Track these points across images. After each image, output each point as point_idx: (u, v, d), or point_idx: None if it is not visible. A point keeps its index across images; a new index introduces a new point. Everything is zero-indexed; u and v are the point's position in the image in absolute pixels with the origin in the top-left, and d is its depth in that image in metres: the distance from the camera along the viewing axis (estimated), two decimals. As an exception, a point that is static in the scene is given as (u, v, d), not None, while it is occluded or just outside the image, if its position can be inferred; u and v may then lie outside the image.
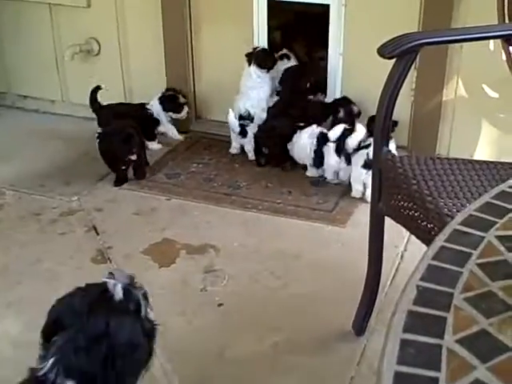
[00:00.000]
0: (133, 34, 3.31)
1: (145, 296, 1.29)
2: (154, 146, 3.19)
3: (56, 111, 3.62)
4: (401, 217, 1.62)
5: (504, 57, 2.34)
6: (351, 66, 2.98)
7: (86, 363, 1.16)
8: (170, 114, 3.21)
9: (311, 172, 2.89)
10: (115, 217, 2.65)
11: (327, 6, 2.91)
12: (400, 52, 1.60)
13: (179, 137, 3.27)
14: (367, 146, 2.61)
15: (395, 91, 1.64)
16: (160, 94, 3.19)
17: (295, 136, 2.87)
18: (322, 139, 2.80)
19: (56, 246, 2.45)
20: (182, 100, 3.20)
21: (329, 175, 2.85)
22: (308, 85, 3.06)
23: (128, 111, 3.13)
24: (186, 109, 3.22)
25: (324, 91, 3.07)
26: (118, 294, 1.23)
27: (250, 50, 3.03)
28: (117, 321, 1.20)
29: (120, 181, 2.87)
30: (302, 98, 3.05)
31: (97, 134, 2.86)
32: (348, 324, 1.96)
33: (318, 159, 2.82)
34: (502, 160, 1.74)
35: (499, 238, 0.77)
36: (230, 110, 2.98)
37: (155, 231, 2.49)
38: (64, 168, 3.02)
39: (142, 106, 3.20)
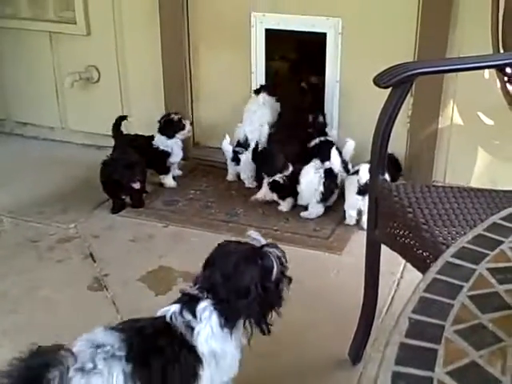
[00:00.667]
0: (132, 61, 3.35)
1: (279, 253, 1.57)
2: (167, 180, 3.13)
3: (55, 138, 3.64)
4: (397, 245, 1.63)
5: (499, 85, 2.37)
6: (348, 94, 3.00)
7: (223, 292, 1.46)
8: (177, 137, 3.12)
9: (316, 209, 2.80)
10: (112, 244, 2.65)
11: (324, 35, 2.95)
12: (395, 82, 1.62)
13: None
14: (357, 172, 2.63)
15: (391, 120, 1.65)
16: (157, 126, 3.13)
17: (302, 173, 2.80)
18: (329, 174, 2.78)
19: (53, 273, 2.45)
20: (176, 117, 3.12)
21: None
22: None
23: (142, 142, 3.09)
24: (187, 122, 3.16)
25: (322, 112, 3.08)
26: (260, 241, 1.55)
27: (258, 87, 3.10)
28: (253, 264, 1.49)
29: (117, 208, 2.87)
30: (303, 117, 3.04)
31: (102, 161, 2.87)
32: (344, 352, 1.95)
33: (326, 194, 2.78)
34: (498, 187, 1.75)
35: (490, 270, 0.78)
36: (226, 135, 3.00)
37: (152, 258, 2.49)
38: (62, 195, 3.02)
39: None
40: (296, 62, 3.35)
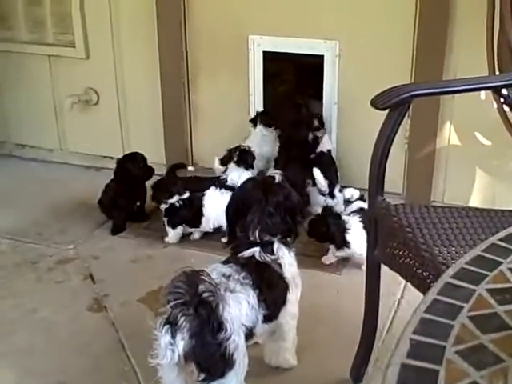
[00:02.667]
0: (131, 84, 3.37)
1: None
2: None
3: (54, 160, 3.65)
4: (396, 264, 1.63)
5: (495, 105, 2.40)
6: (346, 116, 3.02)
7: (274, 221, 1.81)
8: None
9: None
10: (112, 265, 2.65)
11: (322, 57, 2.97)
12: (393, 104, 1.63)
13: None
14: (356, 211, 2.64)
15: (388, 141, 1.67)
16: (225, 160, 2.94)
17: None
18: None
19: (52, 294, 2.45)
20: (246, 147, 2.95)
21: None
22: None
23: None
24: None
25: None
26: (279, 178, 1.89)
27: (253, 116, 3.12)
28: (284, 192, 1.87)
29: (118, 229, 2.88)
30: (303, 132, 2.99)
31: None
32: (345, 371, 1.95)
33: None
34: (496, 207, 1.76)
35: (489, 291, 0.79)
36: (216, 157, 2.98)
37: (152, 279, 2.48)
38: (61, 216, 3.03)
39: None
40: (294, 85, 3.37)
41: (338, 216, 2.60)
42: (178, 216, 2.76)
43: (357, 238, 2.49)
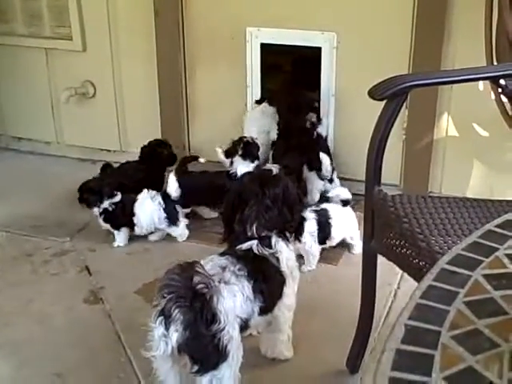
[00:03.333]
0: (128, 77, 3.36)
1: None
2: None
3: (51, 153, 3.65)
4: (393, 255, 1.63)
5: (493, 96, 2.39)
6: (343, 107, 3.01)
7: (271, 215, 1.80)
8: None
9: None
10: (108, 257, 2.65)
11: (319, 49, 2.96)
12: (390, 94, 1.62)
13: None
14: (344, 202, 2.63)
15: (386, 132, 1.66)
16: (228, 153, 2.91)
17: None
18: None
19: (48, 286, 2.44)
20: (250, 139, 2.91)
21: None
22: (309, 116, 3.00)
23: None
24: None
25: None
26: (276, 170, 1.90)
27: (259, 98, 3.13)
28: (282, 185, 1.85)
29: None
30: (301, 118, 2.98)
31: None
32: (342, 362, 1.95)
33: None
34: (493, 197, 1.76)
35: (486, 276, 0.78)
36: (218, 149, 2.93)
37: (148, 271, 2.48)
38: (57, 209, 3.02)
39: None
40: (292, 77, 3.36)
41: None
42: (114, 219, 2.72)
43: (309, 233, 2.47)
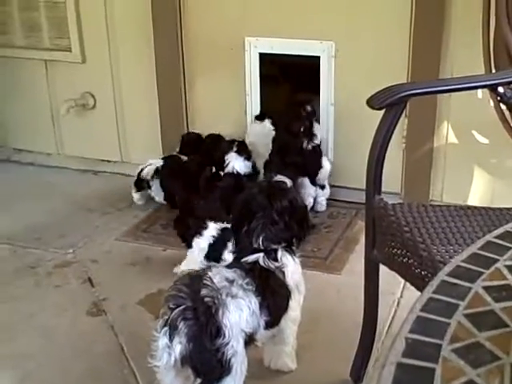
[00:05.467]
0: (127, 87, 3.37)
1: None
2: None
3: (51, 164, 3.65)
4: (395, 264, 1.63)
5: (492, 104, 2.40)
6: (342, 116, 3.02)
7: (278, 228, 1.80)
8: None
9: None
10: (110, 268, 2.65)
11: (318, 58, 2.97)
12: (389, 103, 1.63)
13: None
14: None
15: (385, 141, 1.67)
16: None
17: None
18: None
19: (51, 298, 2.44)
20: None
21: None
22: (302, 128, 2.99)
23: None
24: None
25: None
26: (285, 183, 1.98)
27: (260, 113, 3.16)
28: (289, 198, 1.85)
29: None
30: (297, 142, 2.99)
31: None
32: (346, 372, 1.95)
33: None
34: (495, 205, 1.76)
35: (486, 288, 0.78)
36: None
37: (151, 282, 2.48)
38: (59, 220, 3.02)
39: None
40: (291, 86, 3.37)
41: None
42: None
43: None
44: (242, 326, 1.64)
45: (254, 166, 3.05)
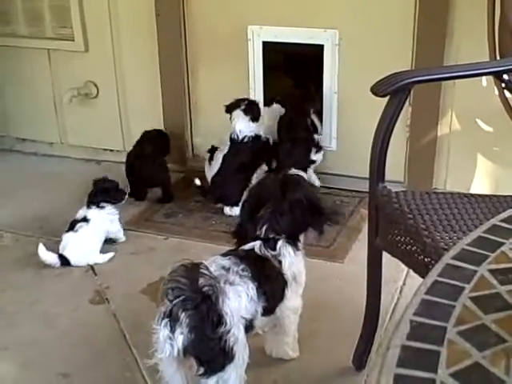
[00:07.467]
0: (130, 76, 3.36)
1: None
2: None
3: (54, 153, 3.65)
4: (398, 251, 1.63)
5: (496, 92, 2.38)
6: (346, 104, 3.01)
7: (285, 219, 1.79)
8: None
9: None
10: (113, 257, 2.64)
11: (321, 46, 2.96)
12: (393, 90, 1.62)
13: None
14: None
15: (389, 128, 1.66)
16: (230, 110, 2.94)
17: None
18: None
19: (53, 287, 2.44)
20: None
21: None
22: (312, 110, 3.02)
23: None
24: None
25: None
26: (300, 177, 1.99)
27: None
28: (302, 192, 1.84)
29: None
30: (305, 120, 3.02)
31: None
32: (348, 359, 1.95)
33: None
34: (498, 193, 1.75)
35: (491, 271, 0.77)
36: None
37: (153, 270, 2.47)
38: (62, 209, 3.01)
39: None
40: (294, 74, 3.35)
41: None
42: None
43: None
44: (242, 313, 1.64)
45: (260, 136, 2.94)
